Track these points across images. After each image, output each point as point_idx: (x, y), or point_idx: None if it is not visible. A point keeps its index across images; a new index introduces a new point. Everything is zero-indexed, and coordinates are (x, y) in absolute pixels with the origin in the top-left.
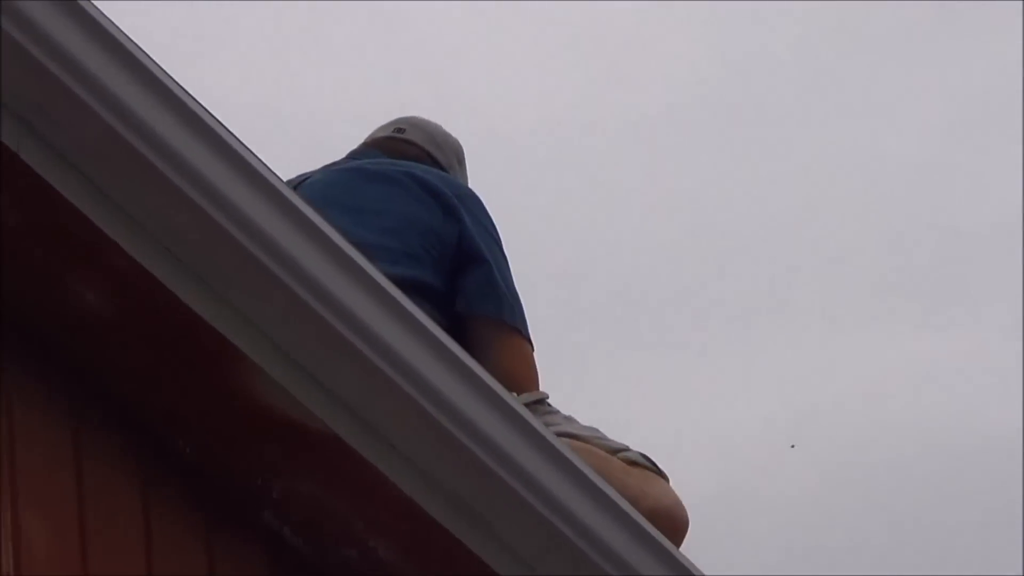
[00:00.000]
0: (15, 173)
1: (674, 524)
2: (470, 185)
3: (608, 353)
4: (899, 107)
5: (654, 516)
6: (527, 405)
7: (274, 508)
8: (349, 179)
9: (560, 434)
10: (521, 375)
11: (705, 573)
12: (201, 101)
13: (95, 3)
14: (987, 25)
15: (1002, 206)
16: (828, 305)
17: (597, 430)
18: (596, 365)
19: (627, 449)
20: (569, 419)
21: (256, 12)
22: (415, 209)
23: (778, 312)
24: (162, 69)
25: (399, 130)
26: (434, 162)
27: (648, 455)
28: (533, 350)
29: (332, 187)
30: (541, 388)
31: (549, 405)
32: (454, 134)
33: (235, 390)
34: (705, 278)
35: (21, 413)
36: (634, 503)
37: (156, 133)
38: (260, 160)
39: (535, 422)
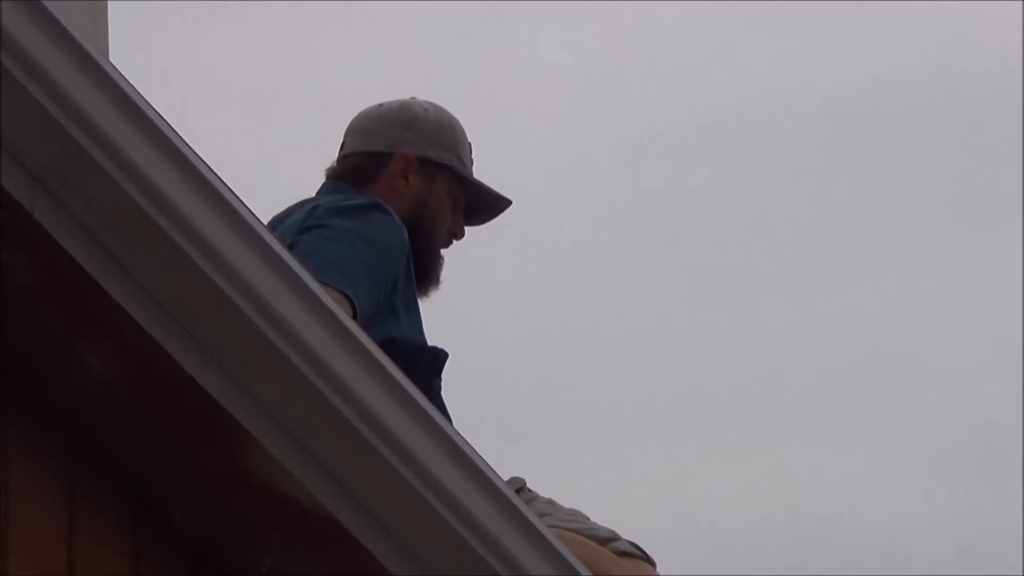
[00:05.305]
0: (29, 234)
1: None
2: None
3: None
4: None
5: None
6: None
7: None
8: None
9: (546, 520)
10: None
11: None
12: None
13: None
14: None
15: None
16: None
17: (579, 512)
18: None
19: (617, 538)
20: (550, 502)
21: None
22: None
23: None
24: (189, 146)
25: (341, 146)
26: (375, 157)
27: (637, 543)
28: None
29: None
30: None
31: (529, 490)
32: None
33: (232, 465)
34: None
35: (18, 464)
36: None
37: (182, 212)
38: (279, 243)
39: (530, 514)
